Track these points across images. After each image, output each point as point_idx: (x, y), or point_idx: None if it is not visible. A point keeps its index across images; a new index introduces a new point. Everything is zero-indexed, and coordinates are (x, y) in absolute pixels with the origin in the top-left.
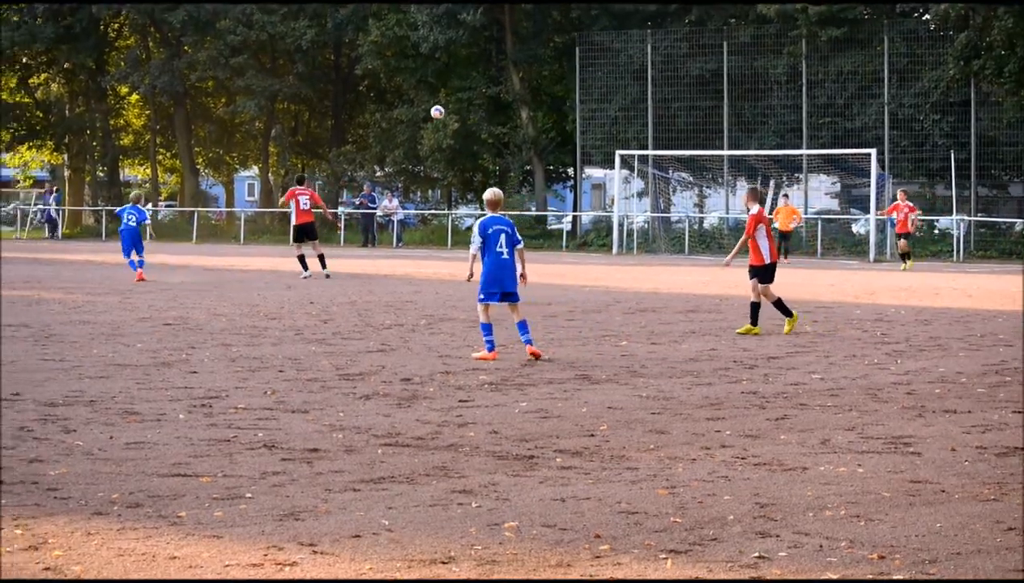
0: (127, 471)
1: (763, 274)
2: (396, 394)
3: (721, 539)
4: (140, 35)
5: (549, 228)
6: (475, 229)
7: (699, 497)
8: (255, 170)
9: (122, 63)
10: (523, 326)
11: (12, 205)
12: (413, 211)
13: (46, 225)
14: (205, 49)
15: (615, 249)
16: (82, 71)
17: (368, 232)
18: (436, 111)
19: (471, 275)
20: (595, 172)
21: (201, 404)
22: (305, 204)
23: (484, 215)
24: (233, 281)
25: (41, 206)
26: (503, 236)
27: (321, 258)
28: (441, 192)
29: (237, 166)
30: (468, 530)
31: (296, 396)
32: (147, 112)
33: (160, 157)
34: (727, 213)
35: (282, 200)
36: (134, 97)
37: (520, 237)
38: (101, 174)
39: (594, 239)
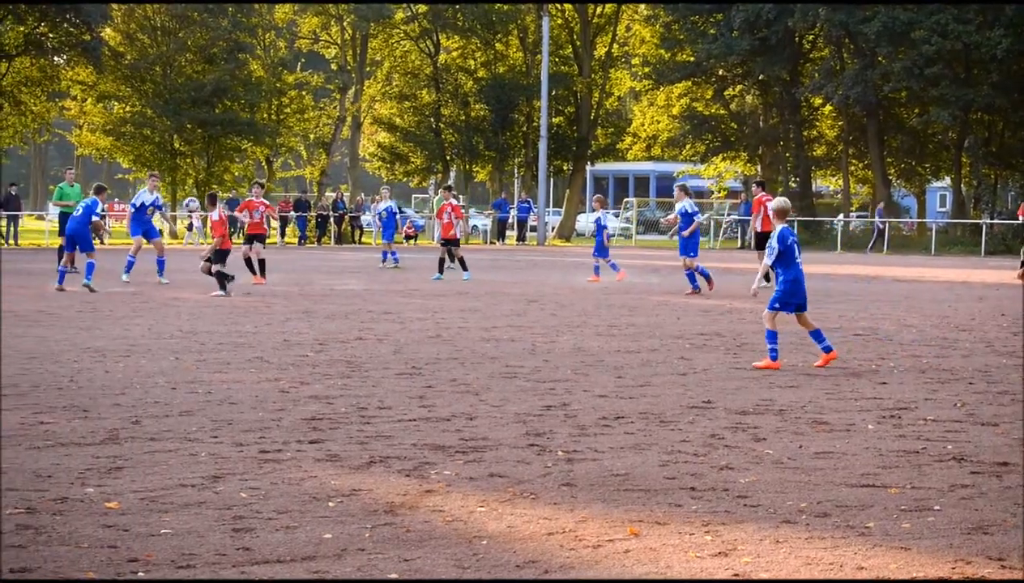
0: (815, 480)
1: None
2: None
3: None
4: (834, 46)
5: None
6: (774, 240)
7: None
8: (947, 181)
9: (816, 74)
10: (818, 335)
11: (706, 215)
12: None
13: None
14: (899, 59)
15: None
16: (776, 83)
17: None
18: None
19: (770, 279)
20: None
21: (890, 415)
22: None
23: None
24: (923, 292)
25: (735, 217)
26: (797, 247)
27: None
28: None
29: (929, 177)
30: None
31: (986, 409)
32: (840, 123)
33: (852, 168)
34: None
35: None
36: (827, 108)
37: None
38: (793, 185)
39: None
